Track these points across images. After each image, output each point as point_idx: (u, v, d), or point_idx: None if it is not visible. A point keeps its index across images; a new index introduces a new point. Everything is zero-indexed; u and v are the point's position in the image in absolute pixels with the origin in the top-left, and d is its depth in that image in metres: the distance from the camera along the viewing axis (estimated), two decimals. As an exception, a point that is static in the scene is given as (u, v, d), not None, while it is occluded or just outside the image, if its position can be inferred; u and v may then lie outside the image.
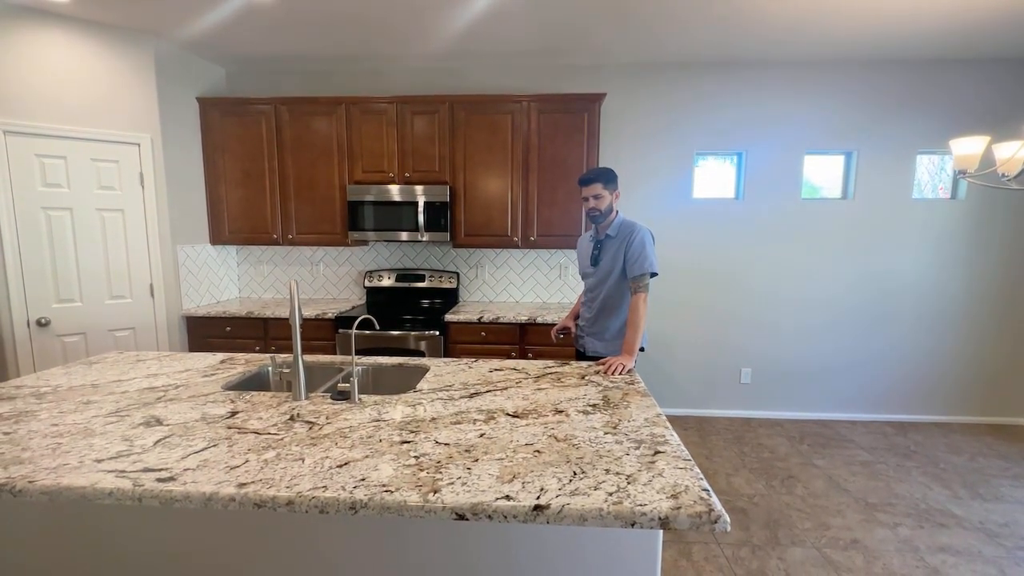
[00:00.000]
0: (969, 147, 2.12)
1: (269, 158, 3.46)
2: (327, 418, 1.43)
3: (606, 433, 1.34)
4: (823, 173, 3.77)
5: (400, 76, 3.67)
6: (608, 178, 2.16)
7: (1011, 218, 3.54)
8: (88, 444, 1.25)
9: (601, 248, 2.23)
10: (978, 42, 3.13)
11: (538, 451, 1.22)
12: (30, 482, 1.06)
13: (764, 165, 3.61)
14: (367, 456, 1.19)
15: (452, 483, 1.06)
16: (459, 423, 1.40)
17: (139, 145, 3.06)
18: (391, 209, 3.37)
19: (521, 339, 3.19)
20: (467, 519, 0.98)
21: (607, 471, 1.12)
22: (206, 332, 3.35)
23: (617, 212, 2.22)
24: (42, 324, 2.81)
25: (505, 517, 0.98)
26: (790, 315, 3.72)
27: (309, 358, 2.05)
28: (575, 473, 1.11)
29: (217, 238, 3.58)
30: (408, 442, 1.27)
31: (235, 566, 1.35)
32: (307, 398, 1.59)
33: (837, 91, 3.50)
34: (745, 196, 3.65)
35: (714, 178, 3.81)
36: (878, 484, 2.84)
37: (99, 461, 1.16)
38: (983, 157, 2.21)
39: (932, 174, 3.77)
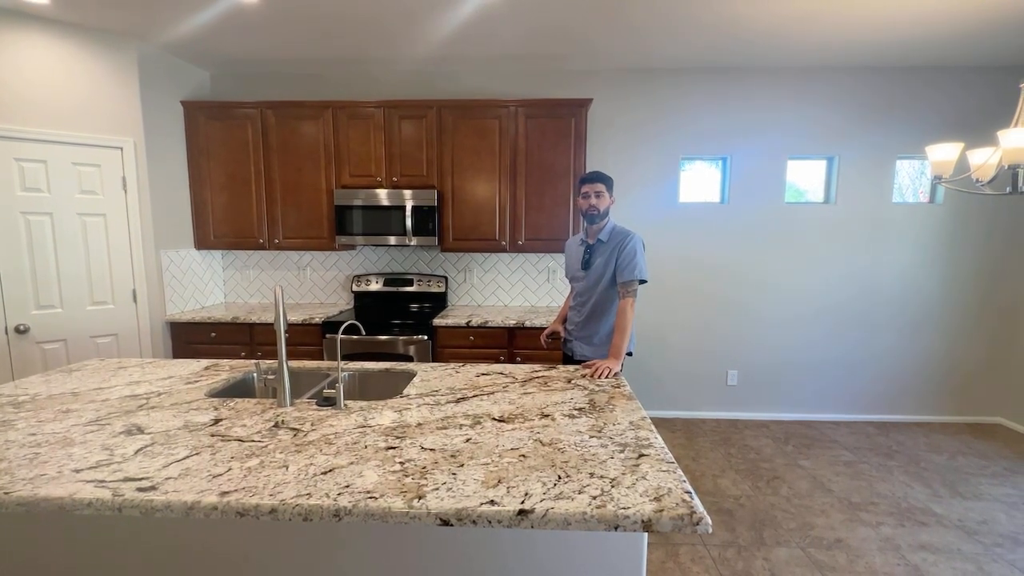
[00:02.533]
0: (944, 153, 2.18)
1: (255, 162, 3.44)
2: (312, 425, 1.42)
3: (591, 437, 1.35)
4: (806, 178, 3.84)
5: (388, 80, 3.67)
6: (610, 182, 2.21)
7: (986, 222, 3.63)
8: (67, 454, 1.23)
9: (592, 252, 2.25)
10: (954, 51, 3.22)
11: (523, 455, 1.23)
12: (6, 493, 1.04)
13: (749, 170, 3.66)
14: (352, 463, 1.18)
15: (437, 488, 1.06)
16: (445, 428, 1.40)
17: (122, 149, 3.02)
18: (379, 213, 3.37)
19: (509, 343, 3.20)
20: (452, 524, 0.99)
21: (591, 475, 1.13)
22: (190, 338, 3.31)
23: (609, 218, 2.24)
24: (21, 331, 2.75)
25: (489, 522, 0.98)
26: (775, 317, 3.78)
27: (295, 364, 2.04)
28: (560, 477, 1.12)
29: (202, 243, 3.54)
30: (393, 448, 1.27)
31: (227, 567, 1.34)
32: (292, 404, 1.58)
33: (819, 97, 3.57)
34: (730, 200, 3.70)
35: (700, 183, 3.86)
36: (861, 484, 2.89)
37: (78, 471, 1.14)
38: (958, 163, 2.27)
39: (913, 178, 3.86)
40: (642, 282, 2.13)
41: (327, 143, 3.39)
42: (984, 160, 2.09)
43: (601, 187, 2.17)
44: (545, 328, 2.65)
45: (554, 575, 1.28)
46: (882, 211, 3.66)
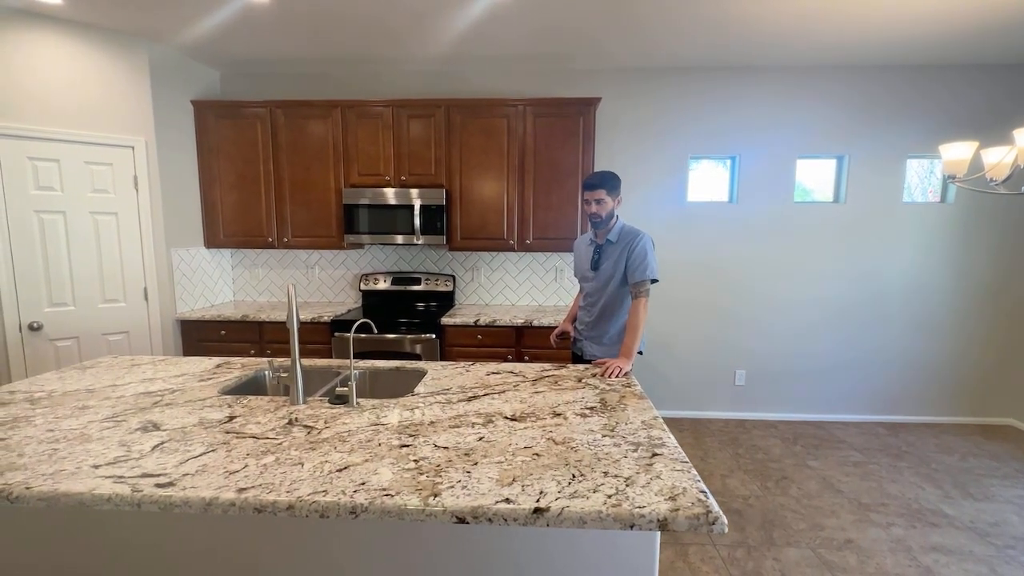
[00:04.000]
0: (958, 152, 2.16)
1: (264, 161, 3.46)
2: (325, 422, 1.43)
3: (604, 436, 1.35)
4: (815, 177, 3.81)
5: (396, 79, 3.68)
6: (612, 185, 2.16)
7: (999, 222, 3.59)
8: (85, 450, 1.24)
9: (601, 253, 2.24)
10: (966, 48, 3.18)
11: (537, 454, 1.23)
12: (27, 488, 1.05)
13: (757, 169, 3.64)
14: (366, 460, 1.19)
15: (452, 487, 1.07)
16: (458, 427, 1.40)
17: (133, 148, 3.05)
18: (387, 212, 3.38)
19: (517, 342, 3.20)
20: (467, 522, 0.99)
21: (605, 474, 1.13)
22: (200, 336, 3.33)
23: (617, 218, 2.23)
24: (34, 328, 2.78)
25: (505, 520, 0.99)
26: (783, 317, 3.76)
27: (306, 362, 2.05)
28: (574, 476, 1.12)
29: (212, 241, 3.56)
30: (407, 446, 1.27)
31: (239, 566, 1.35)
32: (305, 402, 1.59)
33: (828, 96, 3.54)
34: (739, 199, 3.69)
35: (708, 182, 3.85)
36: (871, 484, 2.87)
37: (96, 467, 1.15)
38: (972, 162, 2.25)
39: (922, 178, 3.82)
40: (654, 281, 2.13)
41: (336, 142, 3.40)
42: (999, 159, 2.07)
43: (601, 193, 2.14)
44: (554, 327, 2.66)
45: (567, 574, 1.28)
46: (892, 210, 3.63)
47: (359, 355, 3.13)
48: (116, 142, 2.98)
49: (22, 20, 2.67)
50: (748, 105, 3.58)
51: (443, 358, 3.22)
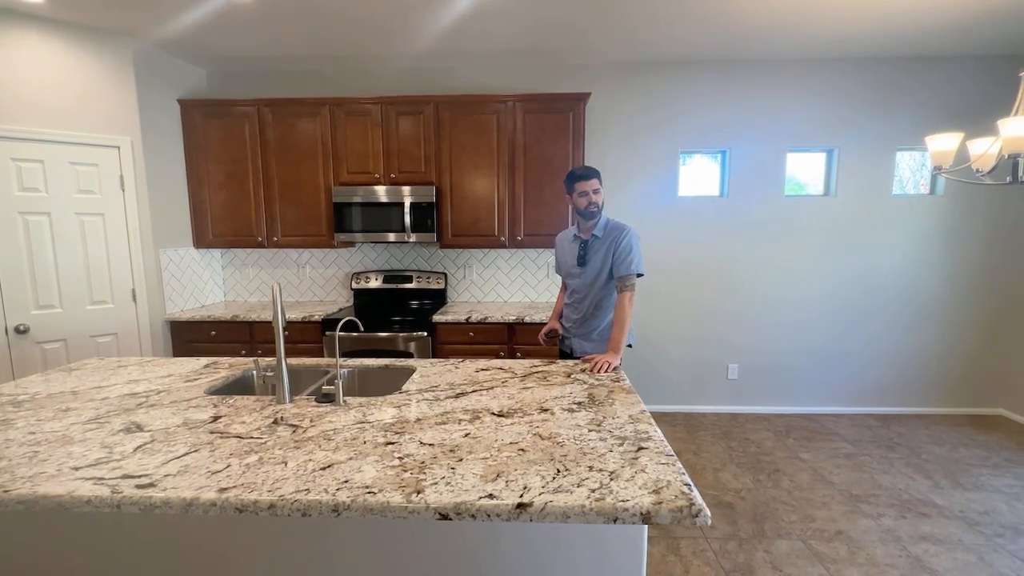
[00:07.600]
0: (944, 143, 2.16)
1: (253, 160, 3.43)
2: (311, 421, 1.42)
3: (590, 431, 1.35)
4: (806, 170, 3.82)
5: (385, 76, 3.65)
6: (600, 175, 2.18)
7: (986, 212, 3.61)
8: (66, 452, 1.23)
9: (587, 249, 2.23)
10: (954, 40, 3.19)
11: (522, 449, 1.23)
12: (5, 491, 1.04)
13: (748, 163, 3.65)
14: (351, 458, 1.18)
15: (436, 483, 1.06)
16: (444, 423, 1.40)
17: (119, 148, 3.02)
18: (377, 210, 3.36)
19: (509, 339, 3.20)
20: (450, 519, 0.99)
21: (590, 468, 1.13)
22: (190, 337, 3.31)
23: (602, 212, 2.23)
24: (21, 331, 2.75)
25: (488, 516, 0.98)
26: (775, 311, 3.77)
27: (295, 361, 2.04)
28: (559, 471, 1.12)
29: (201, 241, 3.53)
30: (392, 443, 1.27)
31: (229, 565, 1.34)
32: (291, 401, 1.58)
33: (819, 89, 3.55)
34: (730, 194, 3.69)
35: (699, 176, 3.85)
36: (862, 476, 2.89)
37: (77, 469, 1.14)
38: (958, 153, 2.26)
39: (913, 170, 3.84)
40: (639, 276, 2.13)
41: (325, 140, 3.38)
42: (984, 150, 2.08)
43: (596, 183, 2.15)
44: (543, 325, 2.65)
45: (555, 570, 1.28)
46: (882, 203, 3.64)
47: (352, 354, 3.12)
48: (101, 142, 2.95)
49: (2, 19, 2.63)
50: (739, 99, 3.58)
51: (435, 355, 3.21)
